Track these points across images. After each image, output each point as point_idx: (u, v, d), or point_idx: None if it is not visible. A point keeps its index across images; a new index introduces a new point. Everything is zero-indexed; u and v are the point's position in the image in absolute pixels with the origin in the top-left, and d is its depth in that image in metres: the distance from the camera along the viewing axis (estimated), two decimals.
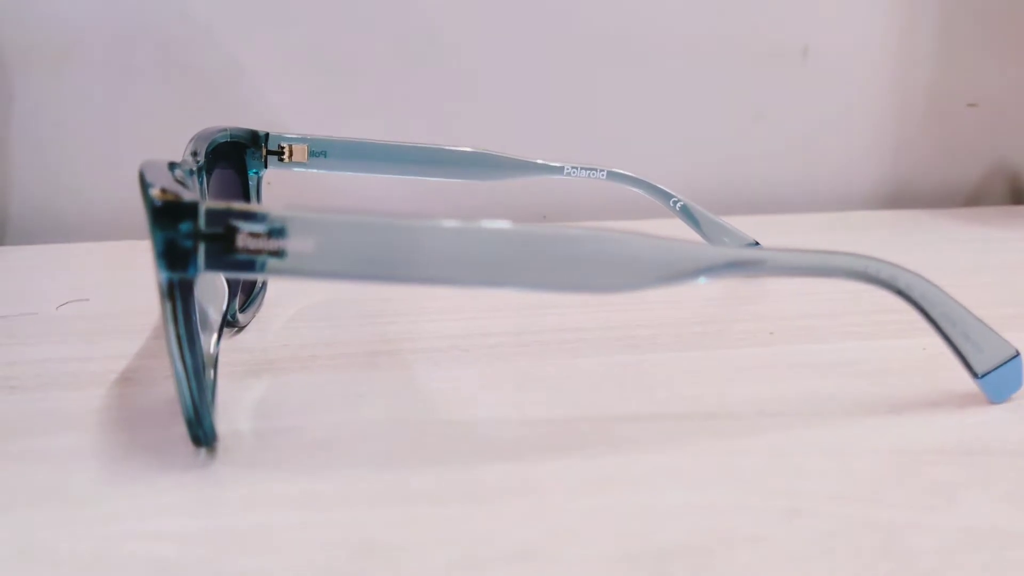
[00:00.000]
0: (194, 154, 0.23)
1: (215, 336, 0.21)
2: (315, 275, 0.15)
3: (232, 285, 0.24)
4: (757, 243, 0.31)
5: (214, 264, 0.15)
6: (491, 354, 0.23)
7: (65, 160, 0.39)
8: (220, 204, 0.15)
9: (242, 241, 0.15)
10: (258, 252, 0.15)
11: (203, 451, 0.18)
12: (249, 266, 0.15)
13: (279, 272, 0.15)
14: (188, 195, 0.15)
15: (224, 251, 0.15)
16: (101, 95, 0.39)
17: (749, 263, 0.16)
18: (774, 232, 0.40)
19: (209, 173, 0.25)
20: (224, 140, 0.26)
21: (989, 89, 0.46)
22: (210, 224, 0.15)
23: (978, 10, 0.44)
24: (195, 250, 0.15)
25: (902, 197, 0.46)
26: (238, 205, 0.15)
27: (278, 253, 0.15)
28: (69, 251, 0.36)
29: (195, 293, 0.17)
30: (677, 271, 0.16)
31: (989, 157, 0.47)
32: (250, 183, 0.28)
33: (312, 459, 0.17)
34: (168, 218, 0.15)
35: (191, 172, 0.22)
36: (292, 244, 0.15)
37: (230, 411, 0.20)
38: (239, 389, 0.21)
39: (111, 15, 0.38)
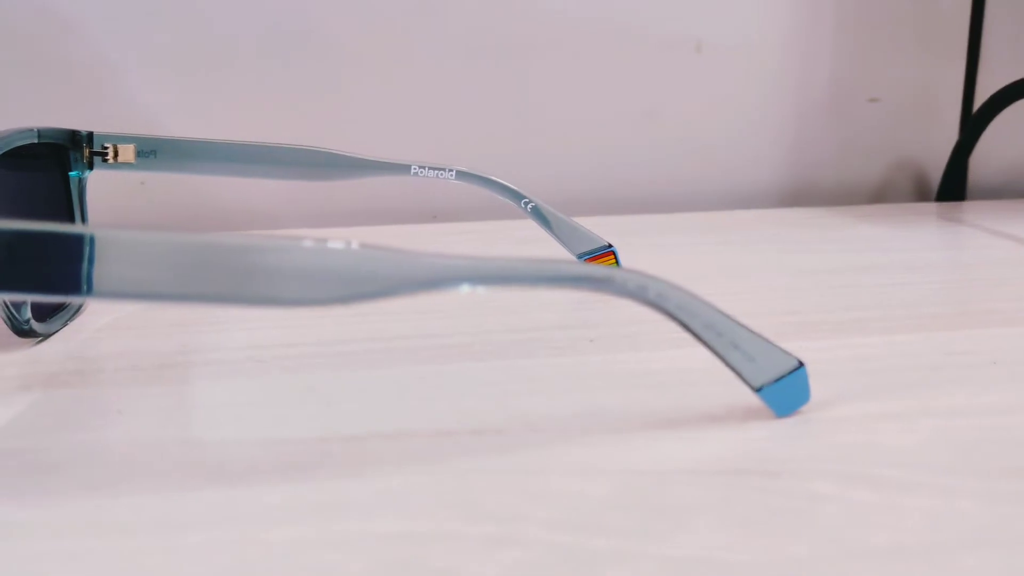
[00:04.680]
0: None
1: None
2: None
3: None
4: (610, 246, 0.30)
5: None
6: (287, 365, 0.22)
7: None
8: None
9: None
10: None
11: None
12: None
13: None
14: None
15: None
16: None
17: (447, 279, 0.15)
18: (654, 232, 0.39)
19: (2, 178, 0.24)
20: (28, 142, 0.25)
21: (891, 83, 0.45)
22: None
23: (877, 1, 0.43)
24: None
25: (805, 195, 0.45)
26: None
27: None
28: None
29: None
30: (363, 287, 0.15)
31: (893, 153, 0.46)
32: (72, 186, 0.27)
33: (27, 484, 0.16)
34: None
35: None
36: None
37: None
38: None
39: None
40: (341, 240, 0.15)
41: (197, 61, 0.40)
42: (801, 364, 0.19)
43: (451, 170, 0.30)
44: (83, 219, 0.27)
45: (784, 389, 0.19)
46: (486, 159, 0.40)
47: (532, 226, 0.30)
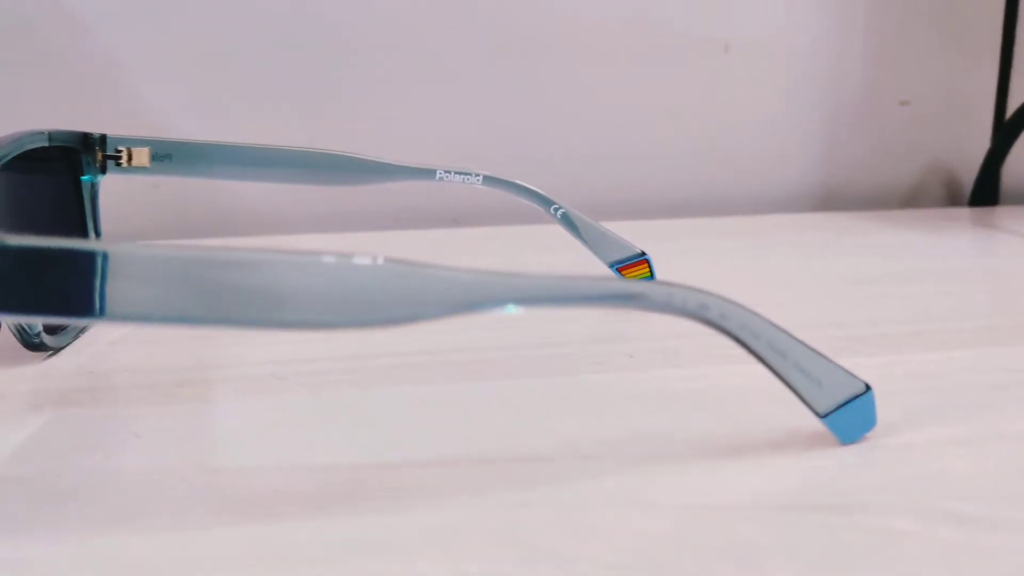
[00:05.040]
0: None
1: None
2: None
3: None
4: (643, 253, 0.29)
5: None
6: (311, 382, 0.21)
7: None
8: None
9: None
10: None
11: None
12: None
13: None
14: None
15: None
16: None
17: (487, 300, 0.14)
18: (684, 238, 0.38)
19: (12, 182, 0.23)
20: (39, 145, 0.24)
21: (922, 86, 0.43)
22: None
23: (908, 3, 0.42)
24: None
25: (835, 198, 0.44)
26: None
27: None
28: None
29: None
30: (391, 312, 0.13)
31: (924, 157, 0.44)
32: (84, 191, 0.26)
33: (37, 515, 0.15)
34: None
35: None
36: None
37: None
38: (8, 427, 0.19)
39: None
40: (367, 255, 0.14)
41: (212, 62, 0.39)
42: (868, 388, 0.17)
43: (478, 175, 0.29)
44: (96, 225, 0.26)
45: (850, 414, 0.17)
46: (507, 162, 0.39)
47: (558, 231, 0.29)
